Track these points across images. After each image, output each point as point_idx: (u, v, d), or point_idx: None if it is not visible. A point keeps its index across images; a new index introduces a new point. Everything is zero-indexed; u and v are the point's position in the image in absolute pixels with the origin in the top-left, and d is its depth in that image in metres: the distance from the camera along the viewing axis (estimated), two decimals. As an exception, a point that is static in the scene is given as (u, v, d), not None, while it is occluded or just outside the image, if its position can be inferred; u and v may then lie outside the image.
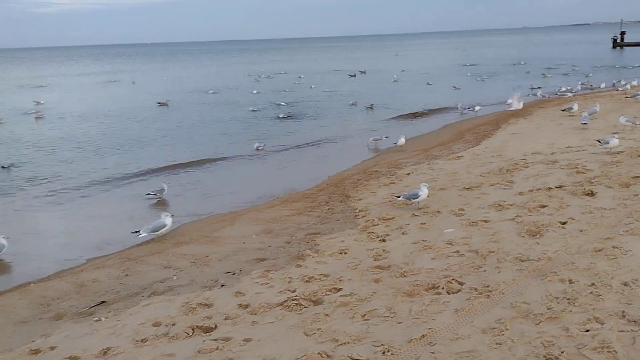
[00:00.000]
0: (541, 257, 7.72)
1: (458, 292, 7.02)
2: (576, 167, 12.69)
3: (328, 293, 7.41)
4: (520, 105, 24.85)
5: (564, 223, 9.08)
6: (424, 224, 10.07)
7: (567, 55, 75.28)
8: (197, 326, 6.86)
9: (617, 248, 7.68)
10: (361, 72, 59.51)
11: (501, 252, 8.13)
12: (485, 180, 12.68)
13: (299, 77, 55.93)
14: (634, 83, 31.20)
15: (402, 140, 19.60)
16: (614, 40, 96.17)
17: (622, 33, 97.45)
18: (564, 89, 32.50)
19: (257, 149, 20.64)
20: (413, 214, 10.73)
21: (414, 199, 10.97)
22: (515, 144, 16.96)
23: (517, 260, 7.77)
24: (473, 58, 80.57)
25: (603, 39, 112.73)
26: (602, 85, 32.78)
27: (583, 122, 18.85)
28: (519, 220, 9.48)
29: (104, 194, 15.77)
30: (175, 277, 8.96)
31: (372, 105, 31.86)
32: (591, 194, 10.46)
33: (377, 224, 10.40)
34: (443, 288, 7.13)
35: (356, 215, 11.26)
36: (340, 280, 7.82)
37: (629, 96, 25.40)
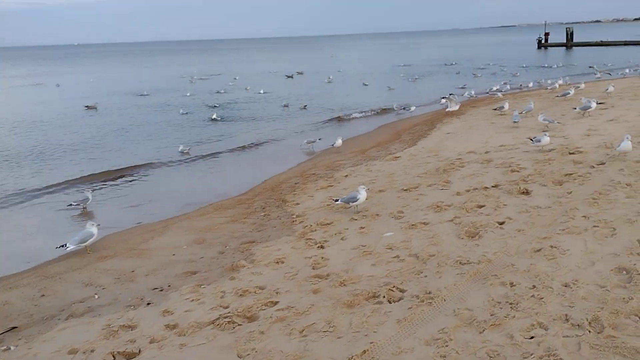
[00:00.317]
0: (481, 260, 7.57)
1: (399, 300, 6.73)
2: (510, 166, 12.80)
3: (264, 307, 6.94)
4: (456, 107, 25.22)
5: (501, 223, 9.01)
6: (363, 228, 9.77)
7: (495, 56, 78.01)
8: (118, 352, 6.22)
9: (555, 248, 7.64)
10: (298, 73, 59.19)
11: (441, 256, 7.93)
12: (423, 180, 12.57)
13: (234, 78, 54.89)
14: (560, 82, 32.37)
15: (339, 142, 19.36)
16: (539, 41, 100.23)
17: (546, 34, 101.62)
18: (495, 88, 33.42)
19: (183, 153, 19.81)
20: (352, 218, 10.42)
21: (352, 202, 10.66)
22: (451, 144, 17.06)
23: (457, 263, 7.58)
24: (407, 59, 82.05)
25: (529, 40, 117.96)
26: (530, 85, 33.95)
27: (514, 121, 19.24)
28: (458, 222, 9.35)
29: (19, 205, 14.51)
30: (96, 296, 8.21)
31: (305, 106, 31.60)
32: (526, 192, 10.51)
33: (315, 230, 10.01)
34: (384, 297, 6.81)
35: (293, 221, 10.82)
36: (276, 293, 7.36)
37: (558, 95, 26.27)
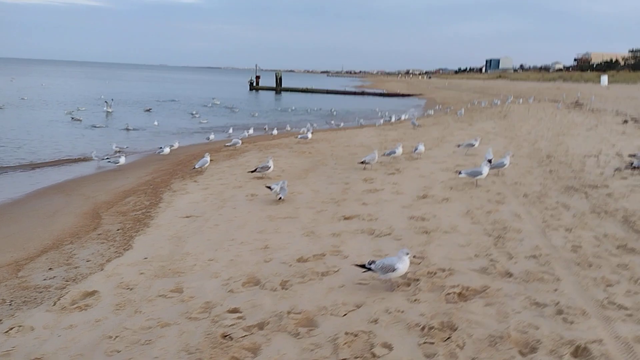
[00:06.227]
0: None
1: None
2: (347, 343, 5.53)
3: None
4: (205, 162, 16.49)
5: None
6: None
7: (212, 95, 73.31)
8: None
9: None
10: None
11: None
12: None
13: None
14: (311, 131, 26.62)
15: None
16: (251, 84, 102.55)
17: (257, 77, 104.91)
18: (231, 130, 26.87)
19: None
20: None
21: None
22: (198, 247, 9.06)
23: None
24: (117, 92, 70.84)
25: (238, 82, 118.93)
26: (275, 132, 27.70)
27: (279, 197, 12.18)
28: None
29: None
30: None
31: None
32: None
33: None
34: None
35: None
36: None
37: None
